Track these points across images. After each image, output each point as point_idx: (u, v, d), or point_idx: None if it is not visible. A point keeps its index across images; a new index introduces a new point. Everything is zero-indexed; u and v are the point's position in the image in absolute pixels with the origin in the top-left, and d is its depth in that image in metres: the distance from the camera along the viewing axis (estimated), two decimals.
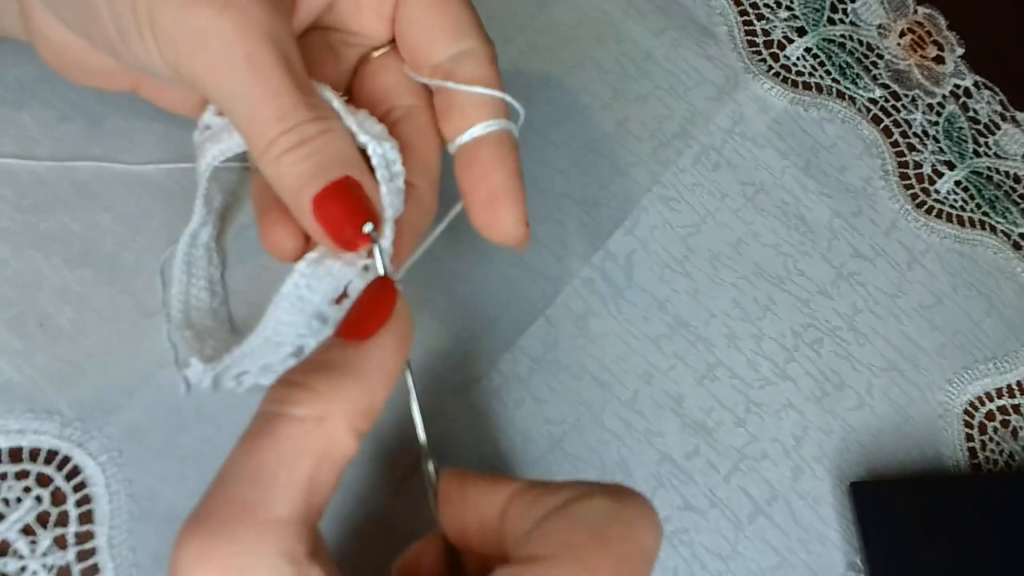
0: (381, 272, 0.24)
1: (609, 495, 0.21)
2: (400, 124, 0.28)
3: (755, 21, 0.43)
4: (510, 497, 0.22)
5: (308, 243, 0.27)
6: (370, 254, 0.25)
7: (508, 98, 0.27)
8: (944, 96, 0.44)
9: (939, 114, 0.44)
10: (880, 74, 0.44)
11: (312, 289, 0.25)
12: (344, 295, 0.25)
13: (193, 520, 0.19)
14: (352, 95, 0.29)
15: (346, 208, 0.24)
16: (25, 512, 0.29)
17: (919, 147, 0.43)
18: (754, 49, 0.42)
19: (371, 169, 0.25)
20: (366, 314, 0.22)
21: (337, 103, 0.26)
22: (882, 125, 0.43)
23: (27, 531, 0.29)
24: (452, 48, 0.27)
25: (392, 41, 0.29)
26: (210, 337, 0.30)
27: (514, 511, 0.22)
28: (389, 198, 0.25)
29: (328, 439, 0.20)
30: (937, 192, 0.42)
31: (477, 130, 0.27)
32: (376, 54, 0.29)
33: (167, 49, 0.23)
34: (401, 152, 0.26)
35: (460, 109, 0.27)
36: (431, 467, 0.24)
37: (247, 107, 0.24)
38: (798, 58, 0.43)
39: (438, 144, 0.28)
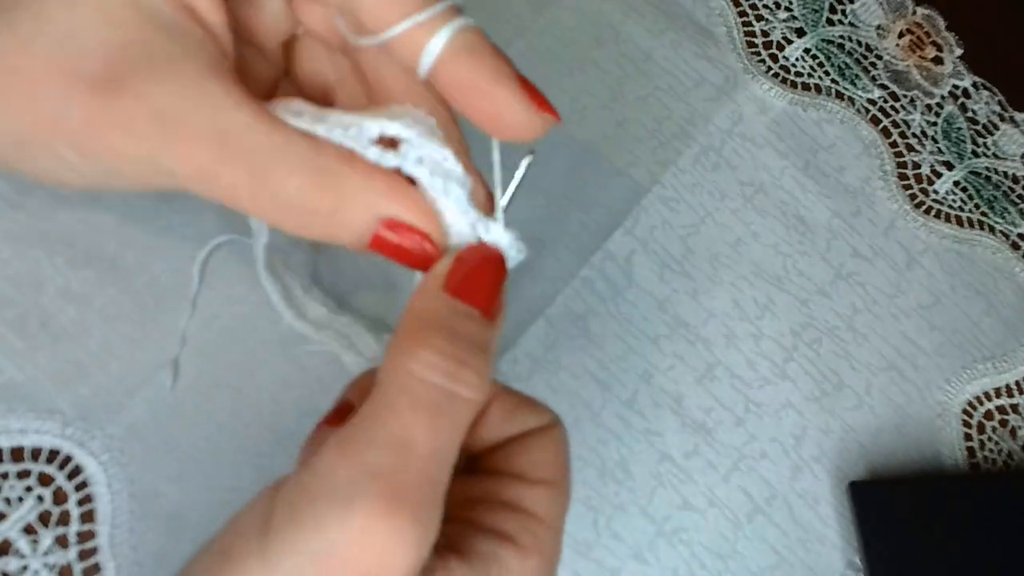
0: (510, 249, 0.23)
1: (560, 422, 0.25)
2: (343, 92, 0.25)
3: (754, 22, 0.43)
4: (495, 394, 0.24)
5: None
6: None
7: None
8: (943, 97, 0.44)
9: (938, 115, 0.44)
10: (879, 75, 0.44)
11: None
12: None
13: (387, 502, 0.19)
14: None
15: (403, 250, 0.22)
16: (27, 511, 0.29)
17: (918, 147, 0.43)
18: (753, 50, 0.42)
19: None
20: (498, 290, 0.22)
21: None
22: (881, 126, 0.43)
23: (29, 530, 0.29)
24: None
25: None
26: (346, 332, 0.29)
27: (497, 410, 0.24)
28: (446, 194, 0.23)
29: (472, 419, 0.21)
30: (936, 192, 0.42)
31: (438, 40, 0.22)
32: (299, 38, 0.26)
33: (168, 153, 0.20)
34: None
35: (410, 35, 0.22)
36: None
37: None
38: (797, 59, 0.43)
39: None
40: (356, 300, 0.31)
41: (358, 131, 0.22)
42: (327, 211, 0.21)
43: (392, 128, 0.22)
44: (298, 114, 0.21)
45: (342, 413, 0.23)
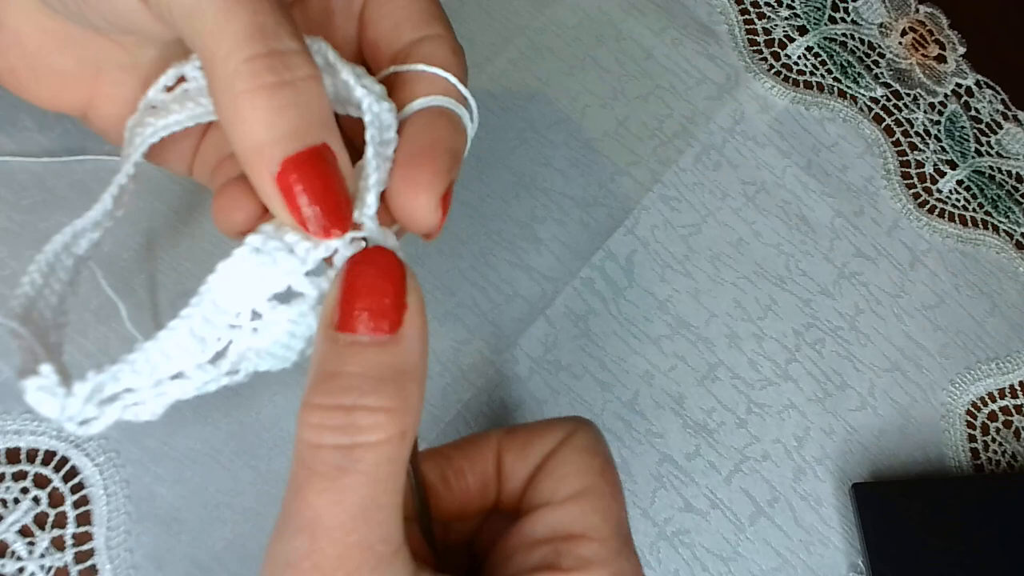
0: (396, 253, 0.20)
1: (581, 427, 0.24)
2: (419, 46, 0.23)
3: (756, 20, 0.43)
4: (500, 445, 0.23)
5: (262, 219, 0.22)
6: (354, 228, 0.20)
7: (459, 85, 0.23)
8: (946, 95, 0.44)
9: (941, 113, 0.44)
10: (881, 73, 0.43)
11: (265, 267, 0.20)
12: (290, 291, 0.21)
13: None
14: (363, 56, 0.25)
15: (322, 187, 0.19)
16: (23, 513, 0.29)
17: (921, 146, 0.43)
18: (755, 48, 0.42)
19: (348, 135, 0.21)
20: (384, 299, 0.19)
21: (332, 54, 0.22)
22: (884, 124, 0.42)
23: (25, 532, 0.29)
24: (415, 34, 0.23)
25: None
26: (40, 354, 0.22)
27: (510, 457, 0.23)
28: (376, 167, 0.21)
29: (409, 447, 0.19)
30: (939, 191, 0.42)
31: (418, 103, 0.22)
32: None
33: None
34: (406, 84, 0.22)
35: (409, 84, 0.23)
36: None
37: (214, 15, 0.19)
38: (799, 57, 0.43)
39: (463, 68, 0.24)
40: None
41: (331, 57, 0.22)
42: (303, 74, 0.19)
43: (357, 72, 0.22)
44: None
45: None
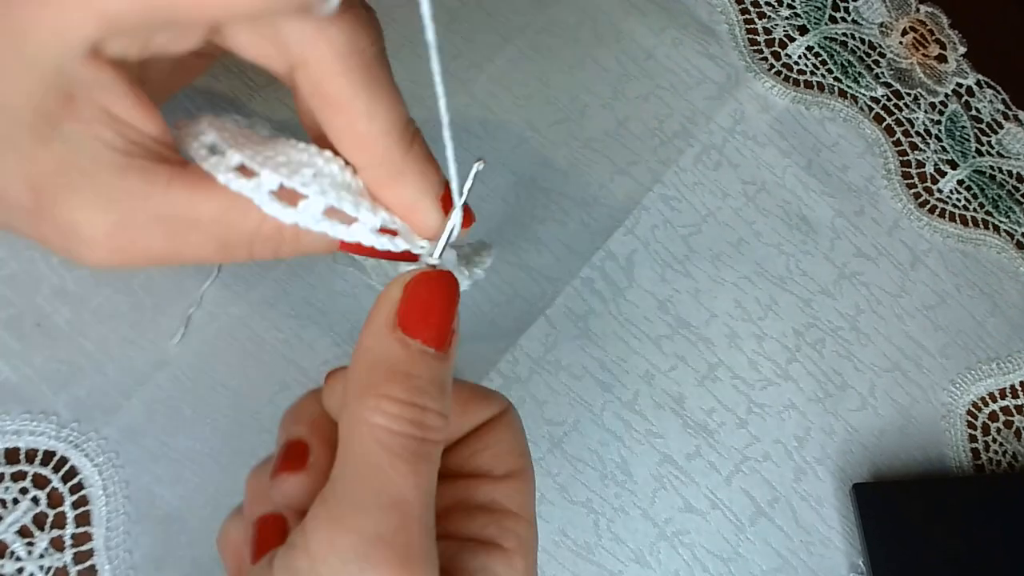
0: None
1: (511, 406, 0.25)
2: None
3: (756, 19, 0.43)
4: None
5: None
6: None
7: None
8: (946, 95, 0.44)
9: (941, 113, 0.43)
10: (882, 73, 0.43)
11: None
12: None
13: (400, 566, 0.19)
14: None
15: (374, 251, 0.23)
16: (22, 514, 0.29)
17: (921, 146, 0.43)
18: (755, 47, 0.42)
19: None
20: (450, 321, 0.22)
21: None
22: (884, 124, 0.42)
23: (24, 533, 0.29)
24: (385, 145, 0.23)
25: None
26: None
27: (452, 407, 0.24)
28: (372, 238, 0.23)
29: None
30: (940, 191, 0.42)
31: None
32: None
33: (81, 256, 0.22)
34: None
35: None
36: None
37: None
38: (800, 56, 0.42)
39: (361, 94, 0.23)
40: None
41: (256, 183, 0.22)
42: (290, 235, 0.22)
43: (290, 183, 0.22)
44: (205, 145, 0.22)
45: (298, 456, 0.23)
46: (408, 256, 0.24)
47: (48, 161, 0.21)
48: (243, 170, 0.22)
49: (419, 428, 0.20)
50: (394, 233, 0.23)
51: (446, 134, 0.22)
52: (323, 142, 0.24)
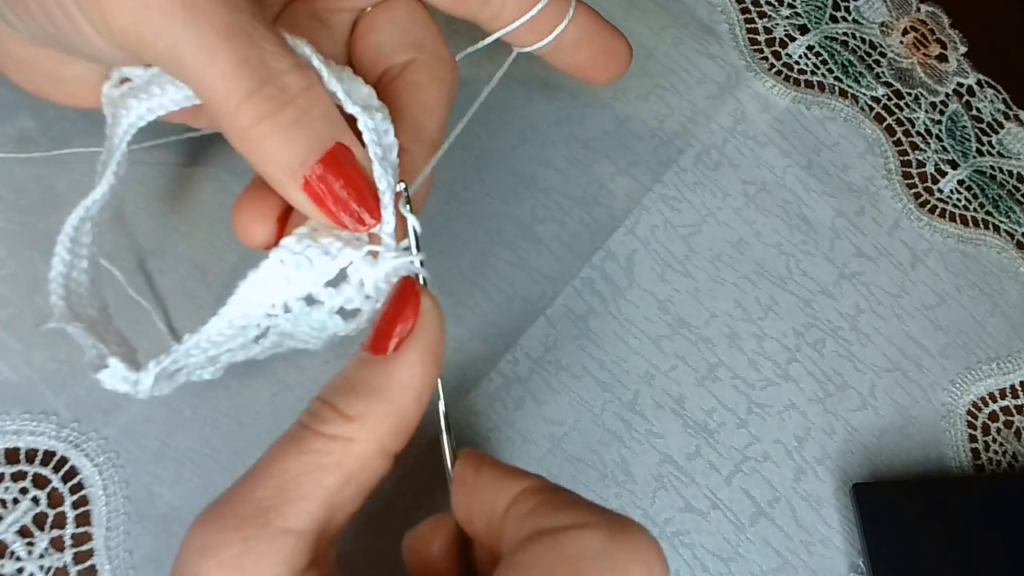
0: (416, 267, 0.22)
1: (607, 531, 0.19)
2: (395, 83, 0.25)
3: (757, 19, 0.43)
4: (518, 494, 0.21)
5: (283, 229, 0.24)
6: (373, 239, 0.22)
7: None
8: (947, 95, 0.44)
9: (942, 113, 0.43)
10: (883, 72, 0.43)
11: (301, 268, 0.22)
12: (342, 277, 0.22)
13: (210, 511, 0.20)
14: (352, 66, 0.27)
15: (347, 185, 0.21)
16: (22, 514, 0.29)
17: (922, 146, 0.42)
18: (756, 47, 0.42)
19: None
20: (390, 324, 0.21)
21: (316, 59, 0.22)
22: (885, 124, 0.42)
23: (24, 533, 0.29)
24: (406, 55, 0.26)
25: None
26: (103, 329, 0.25)
27: (516, 512, 0.20)
28: (384, 175, 0.22)
29: (356, 461, 0.20)
30: (940, 191, 0.42)
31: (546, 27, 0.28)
32: (368, 8, 0.27)
33: (94, 14, 0.20)
34: (392, 118, 0.23)
35: (531, 26, 0.28)
36: (449, 445, 0.23)
37: (196, 61, 0.20)
38: (800, 56, 0.42)
39: (436, 103, 0.26)
40: None
41: (338, 73, 0.22)
42: (299, 88, 0.21)
43: (365, 91, 0.23)
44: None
45: None
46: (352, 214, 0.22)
47: None
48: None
49: (308, 417, 0.20)
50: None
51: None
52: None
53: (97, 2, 0.20)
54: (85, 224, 0.26)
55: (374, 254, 0.22)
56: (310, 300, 0.23)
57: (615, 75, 0.32)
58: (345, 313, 0.24)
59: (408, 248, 0.23)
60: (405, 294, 0.21)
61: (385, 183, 0.22)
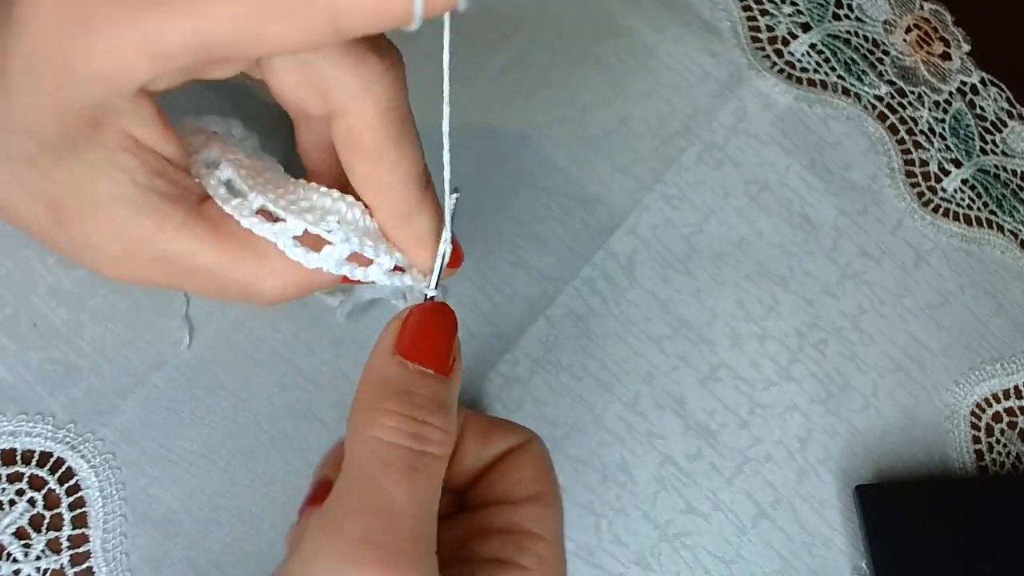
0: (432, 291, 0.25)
1: (536, 438, 0.26)
2: (336, 140, 0.25)
3: (759, 16, 0.42)
4: (464, 421, 0.26)
5: None
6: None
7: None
8: (950, 93, 0.44)
9: (945, 111, 0.43)
10: (886, 71, 0.43)
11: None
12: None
13: (384, 567, 0.20)
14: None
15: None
16: (18, 515, 0.29)
17: (925, 144, 0.42)
18: (758, 45, 0.42)
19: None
20: (449, 345, 0.23)
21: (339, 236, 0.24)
22: (888, 122, 0.42)
23: (20, 535, 0.29)
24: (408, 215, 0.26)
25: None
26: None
27: (468, 436, 0.26)
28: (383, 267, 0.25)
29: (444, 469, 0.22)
30: (944, 190, 0.42)
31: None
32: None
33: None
34: (352, 179, 0.25)
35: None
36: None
37: None
38: (803, 54, 0.42)
39: (376, 139, 0.24)
40: None
41: (282, 228, 0.23)
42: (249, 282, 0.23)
43: (316, 230, 0.23)
44: (223, 184, 0.23)
45: (322, 491, 0.24)
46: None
47: (66, 182, 0.21)
48: (264, 213, 0.23)
49: (415, 440, 0.21)
50: (402, 271, 0.25)
51: (447, 175, 0.24)
52: (321, 180, 0.25)
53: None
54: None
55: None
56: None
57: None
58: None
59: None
60: (451, 319, 0.24)
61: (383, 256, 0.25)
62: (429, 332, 0.23)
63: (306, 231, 0.23)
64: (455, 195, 0.24)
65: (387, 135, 0.23)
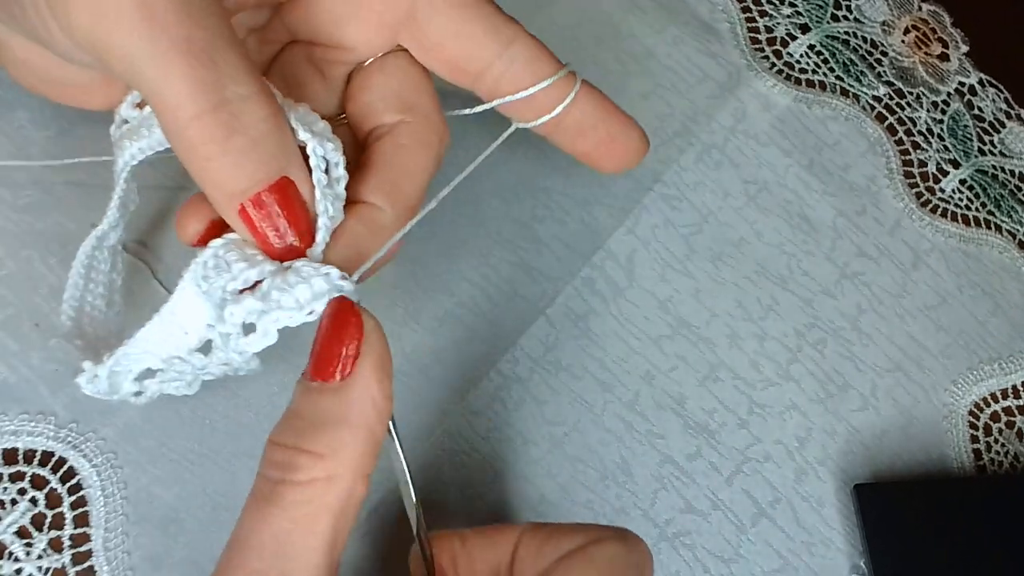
0: (343, 284, 0.22)
1: (619, 540, 0.23)
2: (380, 143, 0.26)
3: (758, 18, 0.42)
4: (519, 539, 0.23)
5: (217, 229, 0.24)
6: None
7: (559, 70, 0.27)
8: (949, 94, 0.44)
9: (944, 112, 0.43)
10: (884, 71, 0.43)
11: (219, 272, 0.22)
12: (254, 287, 0.22)
13: None
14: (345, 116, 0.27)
15: (285, 215, 0.21)
16: (20, 515, 0.29)
17: (924, 145, 0.42)
18: (757, 46, 0.42)
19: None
20: (335, 348, 0.20)
21: (275, 94, 0.23)
22: (886, 123, 0.42)
23: (22, 534, 0.29)
24: (394, 116, 0.26)
25: (385, 53, 0.27)
26: (104, 348, 0.26)
27: (525, 552, 0.23)
28: (324, 204, 0.23)
29: (340, 496, 0.20)
30: (942, 191, 0.42)
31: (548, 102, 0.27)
32: (366, 63, 0.27)
33: (60, 14, 0.20)
34: (370, 175, 0.24)
35: (530, 102, 0.27)
36: (415, 496, 0.23)
37: (150, 73, 0.19)
38: (801, 55, 0.42)
39: (418, 167, 0.26)
40: None
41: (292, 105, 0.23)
42: (257, 118, 0.21)
43: (321, 124, 0.23)
44: None
45: None
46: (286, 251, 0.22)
47: None
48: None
49: (278, 469, 0.20)
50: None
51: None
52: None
53: (64, 4, 0.19)
54: (101, 251, 0.27)
55: (287, 269, 0.22)
56: (223, 307, 0.22)
57: (622, 166, 0.29)
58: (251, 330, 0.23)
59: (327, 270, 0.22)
60: (343, 315, 0.21)
61: (323, 209, 0.23)
62: (320, 336, 0.21)
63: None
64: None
65: (430, 156, 0.25)
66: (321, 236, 0.23)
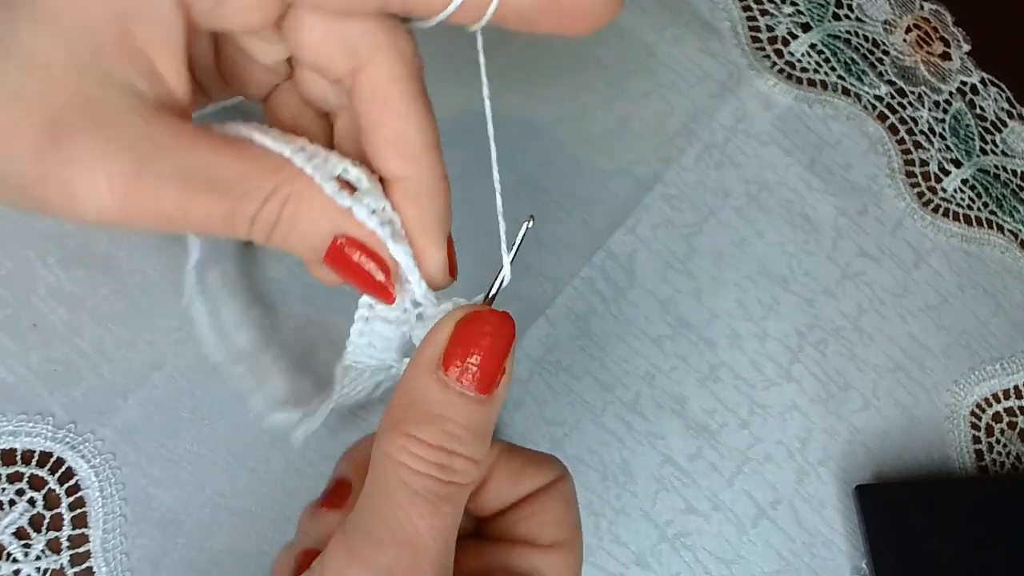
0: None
1: (567, 475, 0.25)
2: (354, 103, 0.24)
3: (759, 16, 0.42)
4: (497, 458, 0.25)
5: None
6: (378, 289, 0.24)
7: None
8: (950, 93, 0.44)
9: (945, 111, 0.43)
10: (886, 71, 0.43)
11: (380, 320, 0.24)
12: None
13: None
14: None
15: (359, 269, 0.23)
16: (18, 515, 0.29)
17: (925, 144, 0.42)
18: (758, 45, 0.42)
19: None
20: (498, 364, 0.21)
21: (300, 158, 0.22)
22: (888, 122, 0.42)
23: (20, 535, 0.29)
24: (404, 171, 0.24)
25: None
26: (263, 371, 0.28)
27: (504, 475, 0.25)
28: (399, 248, 0.23)
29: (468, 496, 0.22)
30: (944, 190, 0.42)
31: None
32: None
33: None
34: (366, 143, 0.23)
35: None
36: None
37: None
38: (803, 54, 0.42)
39: (403, 105, 0.23)
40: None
41: (323, 161, 0.22)
42: (288, 219, 0.22)
43: (354, 172, 0.23)
44: (265, 134, 0.22)
45: (340, 494, 0.24)
46: (378, 287, 0.24)
47: (80, 93, 0.20)
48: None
49: (443, 471, 0.20)
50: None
51: (497, 188, 0.24)
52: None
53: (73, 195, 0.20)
54: (206, 276, 0.27)
55: (419, 318, 0.24)
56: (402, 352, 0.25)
57: (592, 19, 0.25)
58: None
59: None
60: (508, 333, 0.22)
61: (402, 254, 0.23)
62: (479, 346, 0.21)
63: (340, 176, 0.22)
64: (530, 220, 0.25)
65: (411, 89, 0.22)
66: (416, 276, 0.24)
